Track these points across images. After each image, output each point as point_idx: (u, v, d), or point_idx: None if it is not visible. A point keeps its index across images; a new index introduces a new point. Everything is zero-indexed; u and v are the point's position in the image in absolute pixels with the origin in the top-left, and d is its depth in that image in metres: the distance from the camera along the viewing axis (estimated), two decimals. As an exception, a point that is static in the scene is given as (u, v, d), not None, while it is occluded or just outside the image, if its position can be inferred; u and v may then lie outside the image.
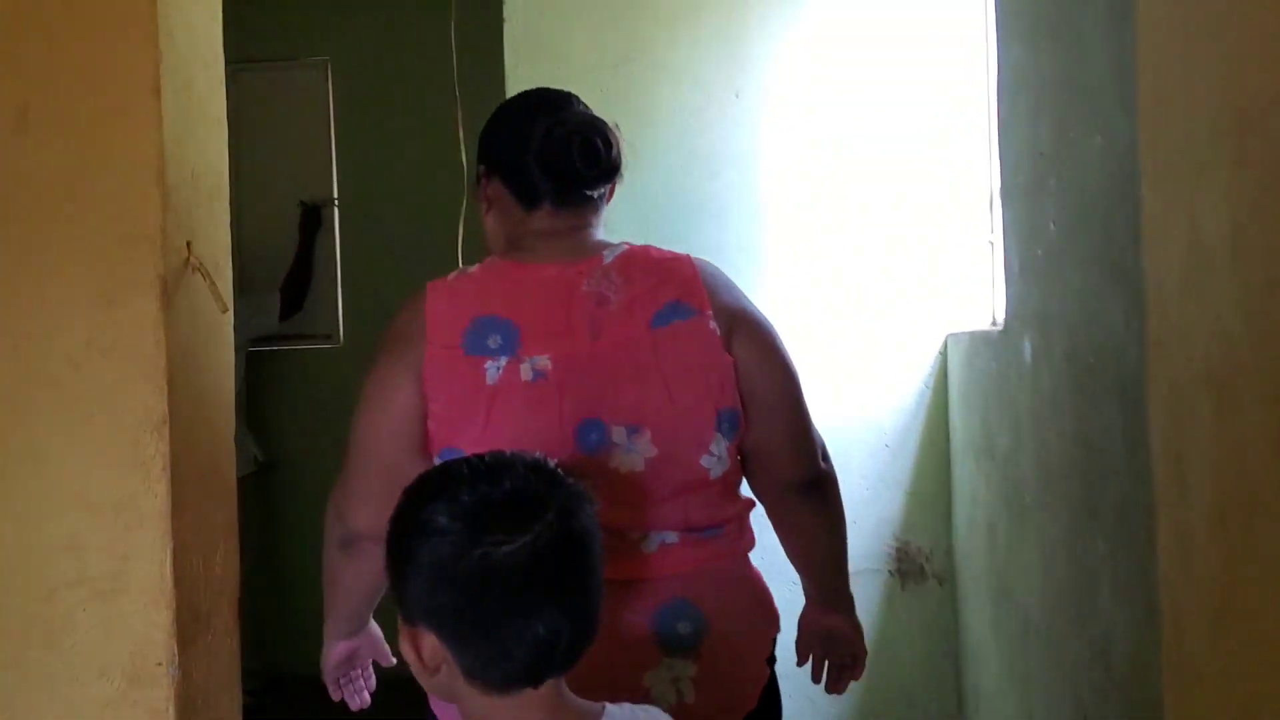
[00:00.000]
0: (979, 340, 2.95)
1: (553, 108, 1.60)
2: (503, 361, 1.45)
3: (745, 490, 1.62)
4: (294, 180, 4.90)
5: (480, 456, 1.21)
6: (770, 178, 3.43)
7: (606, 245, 1.57)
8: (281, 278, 4.67)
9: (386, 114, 4.85)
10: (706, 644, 1.46)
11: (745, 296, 1.62)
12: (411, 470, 1.33)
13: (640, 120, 3.41)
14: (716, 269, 1.61)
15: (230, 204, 1.76)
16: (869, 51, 3.40)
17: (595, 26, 3.49)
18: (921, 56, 3.38)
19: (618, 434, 1.46)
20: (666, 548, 1.48)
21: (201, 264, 1.66)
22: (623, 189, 1.70)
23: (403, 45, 4.74)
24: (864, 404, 3.41)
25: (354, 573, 1.56)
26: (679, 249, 1.46)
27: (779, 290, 3.39)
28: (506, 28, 3.52)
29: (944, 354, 3.40)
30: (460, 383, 1.45)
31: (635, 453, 1.46)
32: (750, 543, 1.60)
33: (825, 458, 1.67)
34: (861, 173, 3.40)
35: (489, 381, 1.44)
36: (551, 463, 1.21)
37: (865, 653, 1.73)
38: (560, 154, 1.54)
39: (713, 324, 1.50)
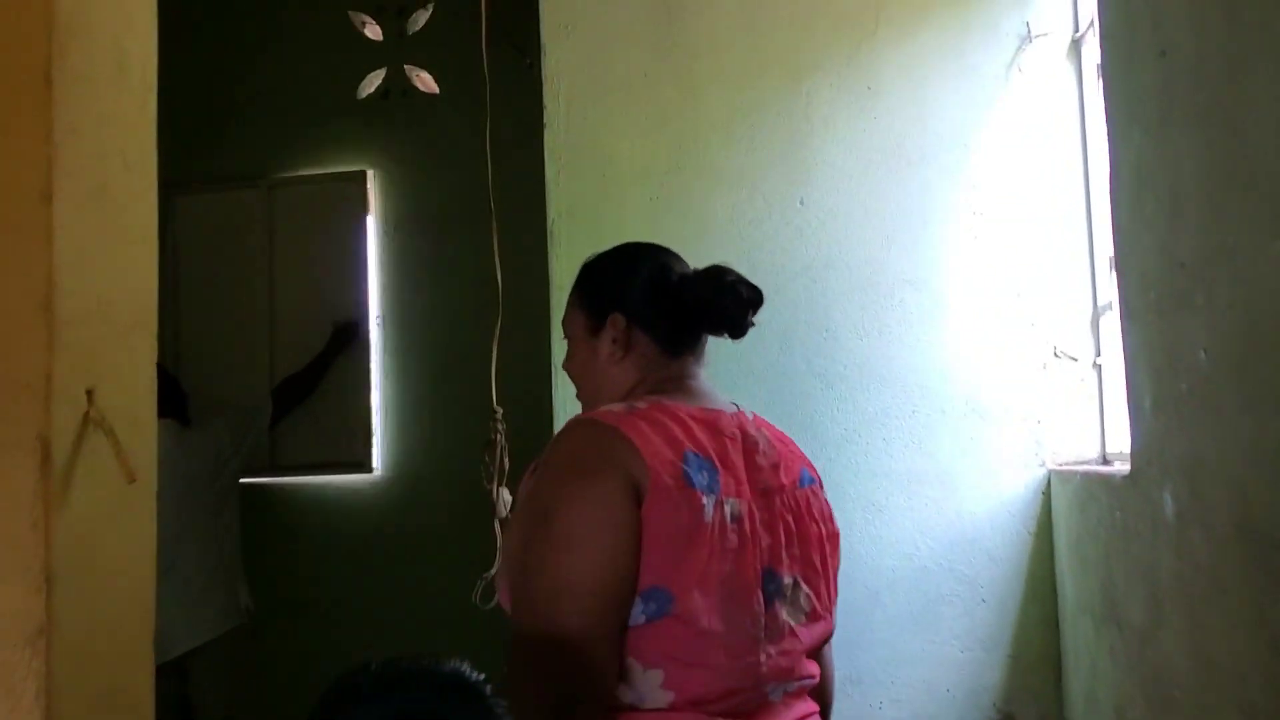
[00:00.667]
0: (1095, 484, 2.49)
1: (675, 258, 1.66)
2: (712, 500, 1.42)
3: None
4: (331, 297, 4.59)
5: (395, 663, 1.09)
6: (840, 294, 3.03)
7: (720, 396, 1.61)
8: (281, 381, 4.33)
9: (426, 228, 4.55)
10: None
11: None
12: (629, 612, 1.35)
13: (695, 231, 3.06)
14: None
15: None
16: (945, 153, 3.02)
17: (642, 132, 3.16)
18: (1007, 155, 2.98)
19: (788, 586, 1.49)
20: (788, 695, 1.50)
21: (105, 419, 1.27)
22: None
23: (443, 155, 4.45)
24: (955, 551, 2.95)
25: None
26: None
27: (853, 419, 2.98)
28: (547, 135, 3.20)
29: (1047, 494, 2.94)
30: (685, 516, 1.39)
31: (799, 607, 1.50)
32: None
33: None
34: (942, 287, 2.99)
35: (705, 519, 1.40)
36: (475, 676, 1.09)
37: None
38: (729, 306, 1.58)
39: (823, 493, 1.61)
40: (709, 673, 1.39)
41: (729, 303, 1.58)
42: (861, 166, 3.06)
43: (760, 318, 2.98)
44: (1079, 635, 2.68)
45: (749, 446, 1.52)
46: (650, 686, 1.38)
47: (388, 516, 4.49)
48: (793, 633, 1.48)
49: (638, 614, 1.36)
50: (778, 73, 3.10)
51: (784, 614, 1.48)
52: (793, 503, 1.53)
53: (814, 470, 1.62)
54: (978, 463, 2.94)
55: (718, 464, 1.45)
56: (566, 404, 3.00)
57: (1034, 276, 2.95)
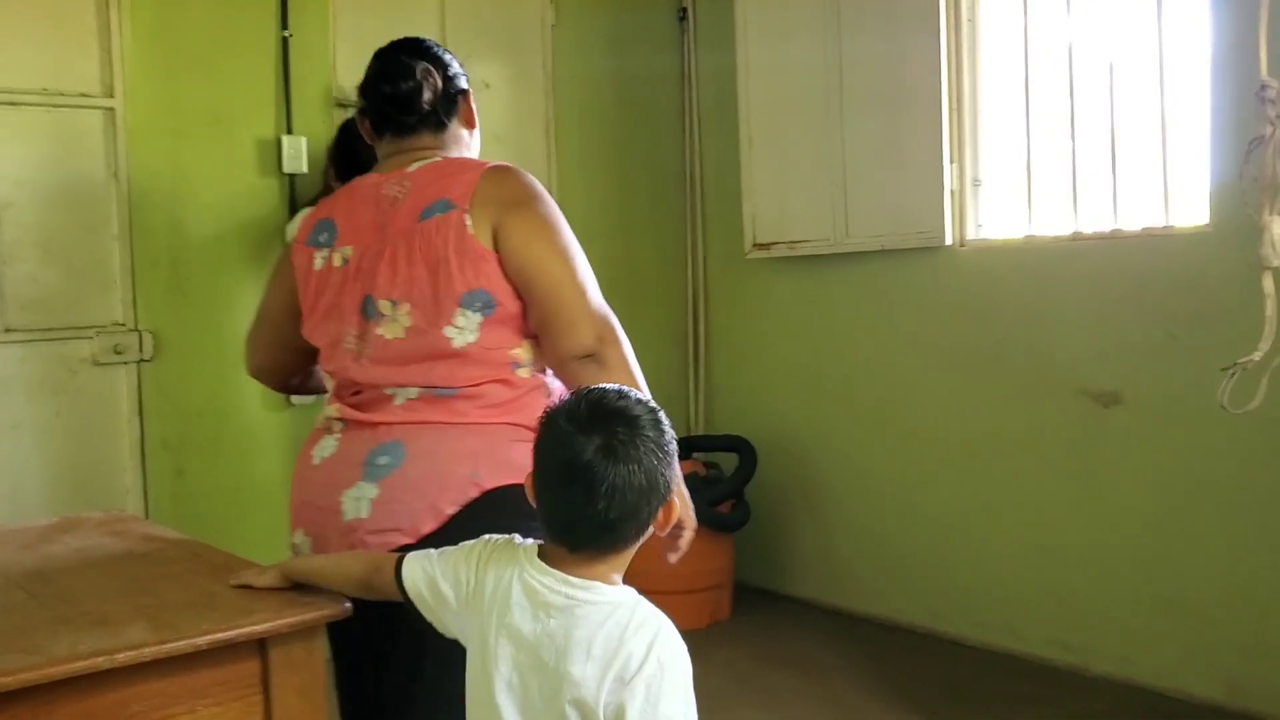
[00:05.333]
0: None
1: (382, 55, 1.98)
2: (325, 252, 1.90)
3: (524, 372, 1.83)
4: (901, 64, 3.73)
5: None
6: None
7: (424, 159, 1.91)
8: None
9: None
10: (395, 476, 1.74)
11: (538, 196, 1.85)
12: (290, 330, 1.98)
13: None
14: (517, 175, 1.87)
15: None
16: None
17: None
18: None
19: (384, 306, 1.81)
20: (410, 402, 1.79)
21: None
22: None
23: None
24: None
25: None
26: None
27: None
28: None
29: None
30: (302, 265, 1.94)
31: (397, 323, 1.81)
32: (519, 414, 1.79)
33: (607, 339, 1.78)
34: None
35: (315, 267, 1.91)
36: None
37: (691, 520, 1.75)
38: (376, 97, 1.94)
39: (465, 217, 1.79)
40: (335, 372, 1.88)
41: (374, 103, 1.95)
42: None
43: None
44: None
45: (380, 198, 1.88)
46: (324, 374, 1.96)
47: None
48: (388, 345, 1.81)
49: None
50: None
51: (378, 330, 1.82)
52: (406, 237, 1.81)
53: (459, 199, 1.80)
54: None
55: (340, 222, 1.91)
56: None
57: None
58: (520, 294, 1.78)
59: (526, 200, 1.82)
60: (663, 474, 1.37)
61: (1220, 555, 3.26)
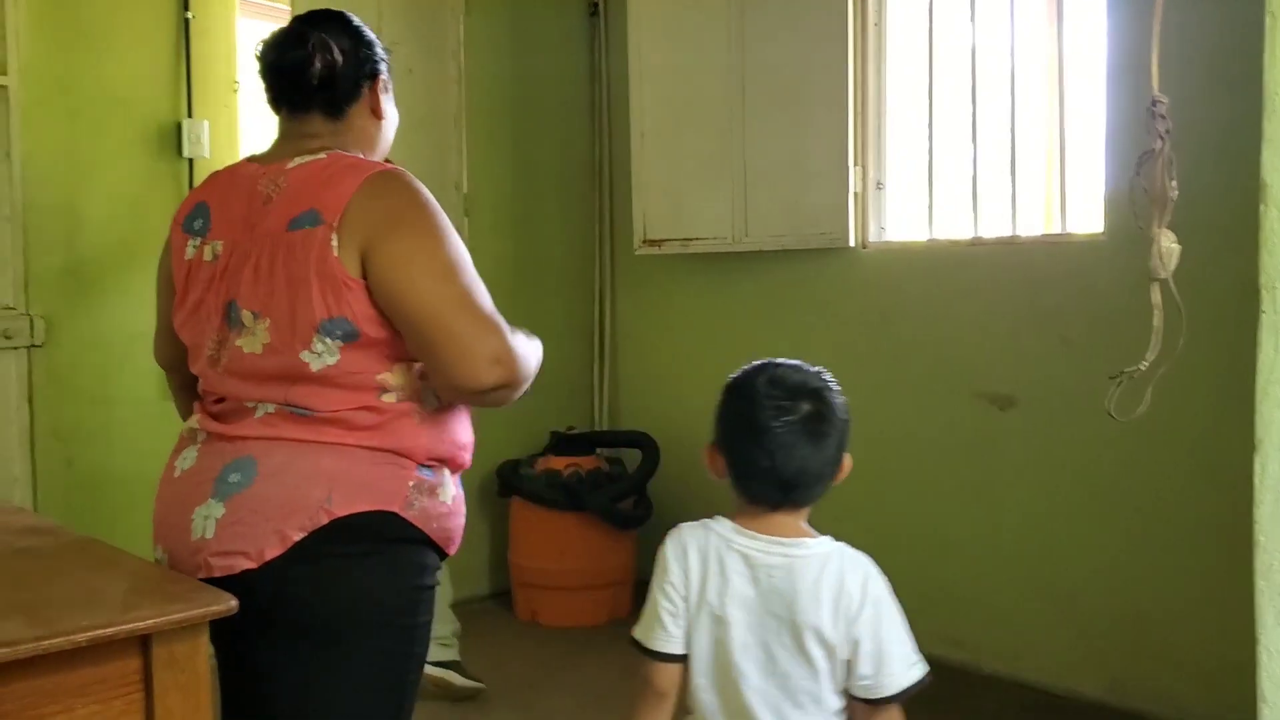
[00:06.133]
0: None
1: (287, 26, 1.82)
2: (198, 242, 1.78)
3: (391, 398, 1.71)
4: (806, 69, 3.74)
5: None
6: None
7: (309, 152, 1.75)
8: None
9: None
10: (243, 495, 1.65)
11: (418, 209, 1.68)
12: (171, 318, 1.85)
13: None
14: (397, 186, 1.68)
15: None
16: None
17: None
18: None
19: (246, 317, 1.70)
20: (268, 416, 1.70)
21: None
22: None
23: None
24: None
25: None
26: None
27: None
28: None
29: None
30: (177, 253, 1.82)
31: (256, 337, 1.69)
32: (384, 439, 1.69)
33: (504, 360, 1.63)
34: None
35: (187, 256, 1.79)
36: None
37: None
38: (263, 66, 1.81)
39: (332, 236, 1.63)
40: (199, 376, 1.81)
41: (262, 72, 1.81)
42: None
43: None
44: None
45: (254, 193, 1.73)
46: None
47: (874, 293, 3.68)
48: (244, 359, 1.71)
49: None
50: None
51: (237, 341, 1.72)
52: (271, 244, 1.68)
53: (329, 213, 1.65)
54: None
55: (214, 212, 1.78)
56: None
57: None
58: (392, 322, 1.65)
59: (401, 217, 1.65)
60: (846, 435, 1.61)
61: (1106, 557, 3.36)
